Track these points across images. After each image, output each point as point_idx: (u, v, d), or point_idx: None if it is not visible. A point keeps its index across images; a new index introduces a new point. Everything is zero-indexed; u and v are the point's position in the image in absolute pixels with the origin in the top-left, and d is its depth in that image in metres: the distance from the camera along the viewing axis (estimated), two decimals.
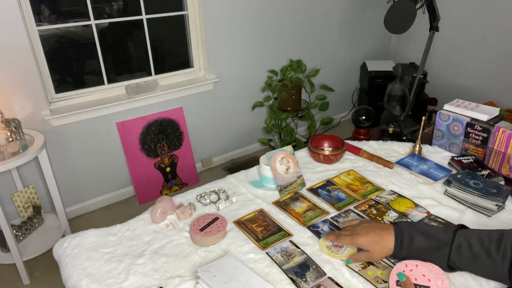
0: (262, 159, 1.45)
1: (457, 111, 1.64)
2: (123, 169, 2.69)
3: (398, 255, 0.98)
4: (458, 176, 1.35)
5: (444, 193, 1.34)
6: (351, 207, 1.30)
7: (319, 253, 1.09)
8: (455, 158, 1.53)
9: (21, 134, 2.05)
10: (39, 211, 2.34)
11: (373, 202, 1.31)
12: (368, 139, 1.89)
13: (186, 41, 2.79)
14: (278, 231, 1.18)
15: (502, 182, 1.40)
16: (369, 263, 1.04)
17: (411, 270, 0.93)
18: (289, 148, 1.44)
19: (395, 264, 0.96)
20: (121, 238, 1.19)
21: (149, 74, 2.69)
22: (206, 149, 3.06)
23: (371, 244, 0.99)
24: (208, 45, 2.74)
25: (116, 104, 2.46)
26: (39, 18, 2.20)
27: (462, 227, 0.99)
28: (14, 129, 2.00)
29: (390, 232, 0.99)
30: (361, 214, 1.26)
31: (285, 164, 1.40)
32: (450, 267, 0.95)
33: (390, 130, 2.07)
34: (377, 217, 1.23)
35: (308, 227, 1.19)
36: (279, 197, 1.36)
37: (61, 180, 2.46)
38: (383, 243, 0.98)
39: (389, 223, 1.07)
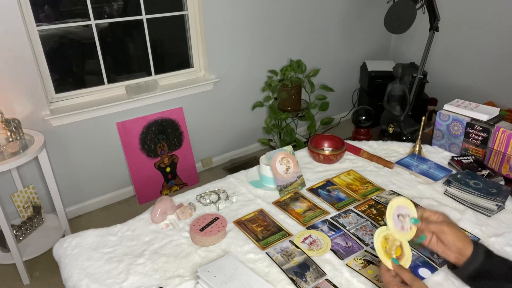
0: (262, 159, 1.45)
1: (457, 111, 1.64)
2: (123, 169, 2.69)
3: (469, 267, 0.90)
4: (458, 176, 1.35)
5: (444, 193, 1.34)
6: (351, 207, 1.30)
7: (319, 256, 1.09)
8: (455, 158, 1.53)
9: (21, 134, 2.05)
10: (39, 211, 2.34)
11: (373, 202, 1.31)
12: (368, 139, 1.89)
13: (186, 41, 2.79)
14: (278, 231, 1.18)
15: (502, 182, 1.40)
16: (370, 262, 1.04)
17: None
18: (289, 148, 1.44)
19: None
20: (121, 238, 1.19)
21: (149, 74, 2.69)
22: (206, 149, 3.06)
23: (454, 238, 0.91)
24: (208, 45, 2.74)
25: (116, 104, 2.46)
26: (39, 18, 2.20)
27: None
28: (14, 129, 2.00)
29: (470, 243, 0.92)
30: (361, 214, 1.26)
31: (285, 164, 1.40)
32: None
33: (390, 130, 2.07)
34: (377, 217, 1.23)
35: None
36: (279, 197, 1.36)
37: (61, 180, 2.46)
38: (464, 245, 0.91)
39: None
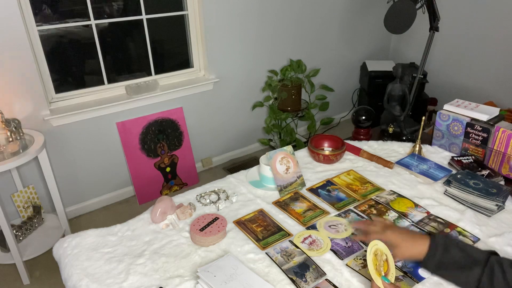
0: (262, 159, 1.45)
1: (457, 111, 1.64)
2: (123, 169, 2.69)
3: (429, 261, 0.95)
4: (458, 176, 1.35)
5: (444, 193, 1.34)
6: (351, 207, 1.30)
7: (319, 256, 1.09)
8: (455, 158, 1.53)
9: (21, 134, 2.05)
10: (39, 211, 2.34)
11: (373, 202, 1.31)
12: (368, 139, 1.89)
13: (186, 41, 2.79)
14: (278, 231, 1.18)
15: (502, 182, 1.40)
16: None
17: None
18: (289, 148, 1.44)
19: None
20: (121, 238, 1.19)
21: (149, 74, 2.69)
22: (206, 149, 3.06)
23: (401, 241, 0.98)
24: (208, 45, 2.74)
25: (116, 104, 2.46)
26: (39, 18, 2.20)
27: (495, 253, 0.95)
28: (14, 129, 2.00)
29: (425, 238, 0.97)
30: (361, 214, 1.26)
31: (285, 164, 1.40)
32: None
33: (390, 130, 2.07)
34: (377, 217, 1.23)
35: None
36: (279, 197, 1.36)
37: (61, 180, 2.46)
38: (415, 244, 0.96)
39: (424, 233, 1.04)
